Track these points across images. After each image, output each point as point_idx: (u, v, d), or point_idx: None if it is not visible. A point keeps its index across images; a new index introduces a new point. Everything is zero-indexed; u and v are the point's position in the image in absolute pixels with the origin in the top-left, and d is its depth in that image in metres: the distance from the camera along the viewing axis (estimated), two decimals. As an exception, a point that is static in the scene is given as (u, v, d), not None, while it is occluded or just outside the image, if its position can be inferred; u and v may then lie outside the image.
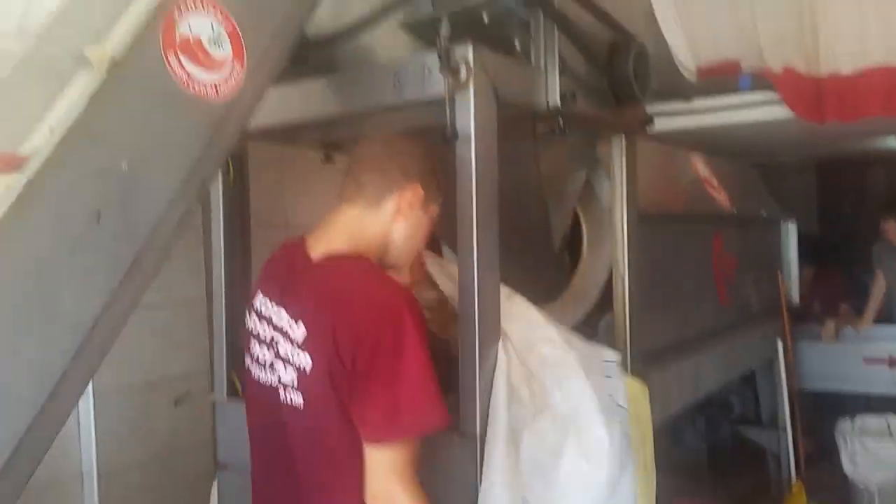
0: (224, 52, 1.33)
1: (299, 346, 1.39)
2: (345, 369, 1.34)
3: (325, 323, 1.37)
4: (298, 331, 1.40)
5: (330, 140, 2.17)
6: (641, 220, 2.35)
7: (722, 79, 3.93)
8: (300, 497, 1.46)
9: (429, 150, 1.58)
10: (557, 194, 2.21)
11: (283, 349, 1.43)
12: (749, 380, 3.82)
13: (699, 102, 3.93)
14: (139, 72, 1.20)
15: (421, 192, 1.51)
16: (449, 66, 1.53)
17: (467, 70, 1.56)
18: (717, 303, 3.03)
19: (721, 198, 3.21)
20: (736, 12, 3.94)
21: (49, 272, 1.09)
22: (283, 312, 1.45)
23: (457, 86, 1.57)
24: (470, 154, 1.58)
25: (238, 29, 1.35)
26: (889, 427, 3.62)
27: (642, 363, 2.26)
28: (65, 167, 1.11)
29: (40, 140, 1.14)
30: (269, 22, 1.42)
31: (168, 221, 1.25)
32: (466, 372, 1.60)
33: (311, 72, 1.86)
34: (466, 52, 1.57)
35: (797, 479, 3.54)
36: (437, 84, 1.58)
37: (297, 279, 1.49)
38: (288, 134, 2.03)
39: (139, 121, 1.20)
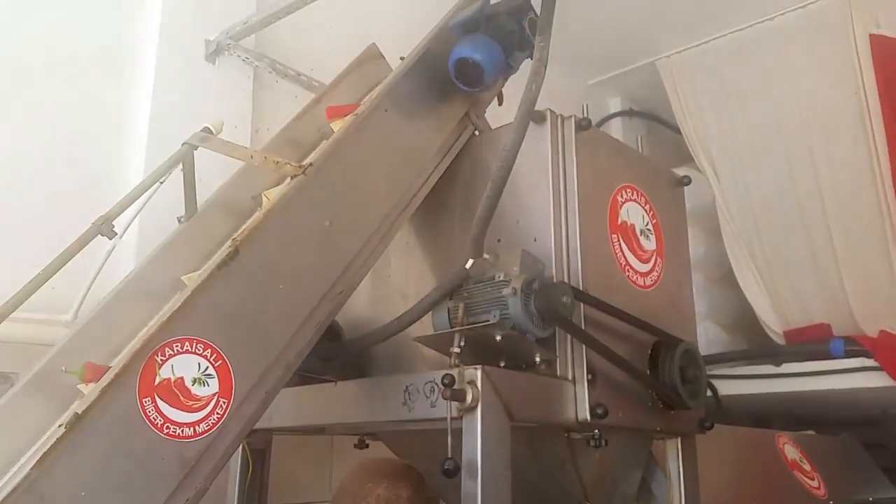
0: (209, 390, 1.25)
1: None
2: None
3: None
4: None
5: (358, 432, 2.03)
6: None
7: (812, 343, 3.60)
8: None
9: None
10: (608, 499, 1.93)
11: None
12: None
13: (789, 366, 3.61)
14: (105, 422, 1.13)
15: None
16: (452, 391, 1.40)
17: (474, 394, 1.42)
18: None
19: (815, 485, 2.76)
20: (822, 276, 3.69)
21: None
22: None
23: (463, 409, 1.43)
24: (476, 489, 1.38)
25: (229, 364, 1.28)
26: None
27: None
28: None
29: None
30: (267, 351, 1.35)
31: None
32: None
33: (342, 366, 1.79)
34: (475, 375, 1.44)
35: None
36: (452, 409, 1.44)
37: None
38: (312, 429, 1.92)
39: (96, 472, 1.11)
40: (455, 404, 1.42)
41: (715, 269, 4.15)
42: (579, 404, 1.62)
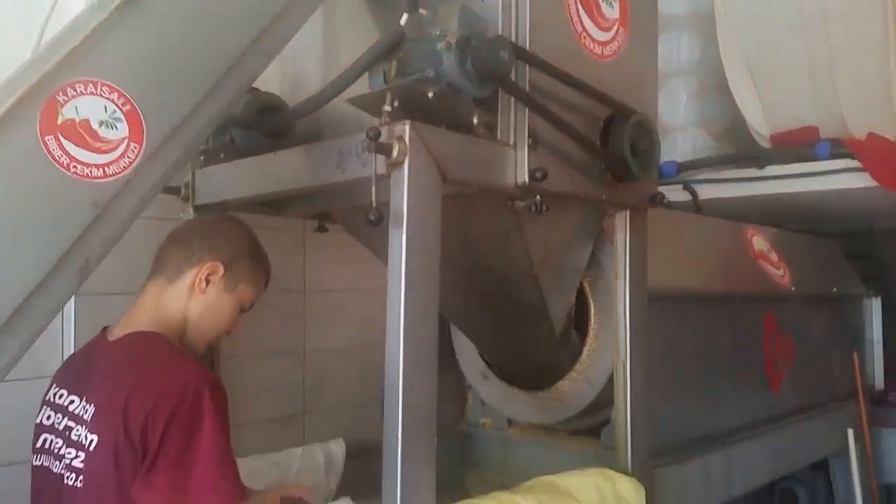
0: (118, 133, 1.19)
1: (88, 428, 1.26)
2: (131, 447, 1.19)
3: (116, 397, 1.23)
4: (90, 411, 1.27)
5: (314, 212, 2.00)
6: (663, 300, 2.01)
7: (799, 146, 3.45)
8: None
9: (248, 232, 1.51)
10: (556, 271, 1.92)
11: (74, 434, 1.28)
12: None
13: (772, 169, 3.48)
14: (4, 159, 1.08)
15: (220, 268, 1.42)
16: (377, 144, 1.32)
17: (401, 148, 1.34)
18: (766, 390, 2.55)
19: (779, 274, 2.74)
20: (815, 78, 3.46)
21: None
22: (78, 399, 1.31)
23: (392, 164, 1.36)
24: (401, 239, 1.34)
25: (139, 109, 1.21)
26: None
27: (653, 459, 1.90)
28: None
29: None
30: (180, 102, 1.27)
31: (37, 301, 1.11)
32: (388, 477, 1.33)
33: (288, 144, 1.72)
34: (402, 130, 1.35)
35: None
36: (379, 164, 1.37)
37: (93, 363, 1.36)
38: (265, 206, 1.88)
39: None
40: (382, 159, 1.35)
41: (710, 76, 3.93)
42: (519, 168, 1.54)
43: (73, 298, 1.93)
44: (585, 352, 2.04)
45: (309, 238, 2.47)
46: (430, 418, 1.38)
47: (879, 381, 3.35)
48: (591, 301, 2.04)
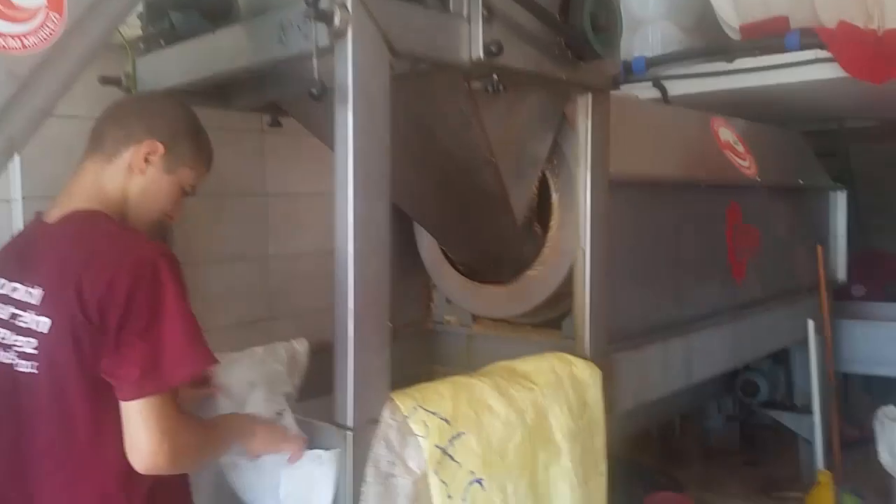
0: (36, 1, 1.11)
1: (37, 312, 1.22)
2: (90, 324, 1.16)
3: (66, 275, 1.19)
4: (36, 295, 1.23)
5: (264, 102, 1.92)
6: (625, 187, 2.00)
7: (768, 37, 3.39)
8: (35, 485, 1.26)
9: (188, 113, 1.43)
10: (516, 159, 1.89)
11: (22, 321, 1.25)
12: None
13: (742, 62, 3.43)
14: None
15: (159, 147, 1.35)
16: (317, 11, 1.25)
17: (343, 15, 1.28)
18: (729, 279, 2.59)
19: (745, 165, 2.74)
20: (787, -36, 3.38)
21: None
22: (20, 285, 1.27)
23: (334, 34, 1.29)
24: (346, 113, 1.30)
25: (56, -26, 1.13)
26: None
27: (612, 345, 1.93)
28: None
29: None
30: (100, -32, 1.19)
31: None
32: (340, 360, 1.34)
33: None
34: (345, -3, 1.28)
35: (826, 467, 3.05)
36: (321, 35, 1.31)
37: (33, 246, 1.32)
38: (213, 98, 1.80)
39: None
40: (324, 29, 1.28)
41: (680, -36, 3.81)
42: (473, 42, 1.48)
43: (20, 202, 1.88)
44: (548, 243, 2.04)
45: (269, 141, 2.40)
46: (382, 302, 1.38)
47: (842, 274, 3.43)
48: (553, 192, 2.02)
